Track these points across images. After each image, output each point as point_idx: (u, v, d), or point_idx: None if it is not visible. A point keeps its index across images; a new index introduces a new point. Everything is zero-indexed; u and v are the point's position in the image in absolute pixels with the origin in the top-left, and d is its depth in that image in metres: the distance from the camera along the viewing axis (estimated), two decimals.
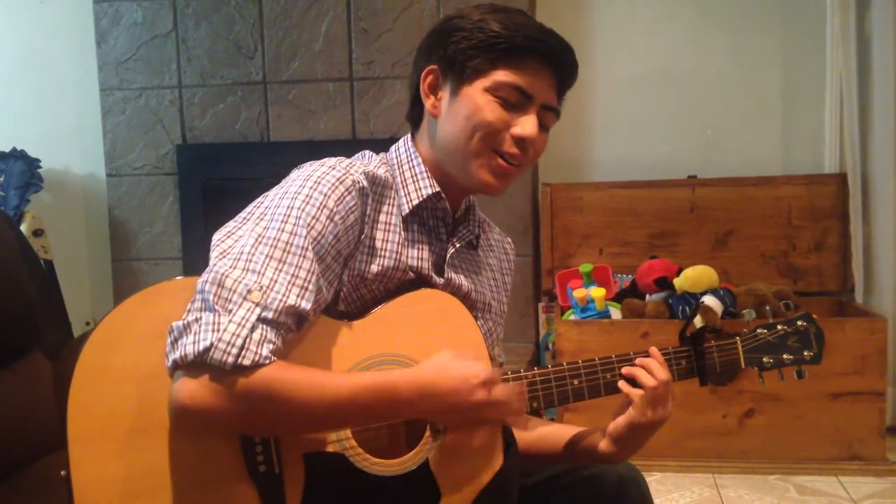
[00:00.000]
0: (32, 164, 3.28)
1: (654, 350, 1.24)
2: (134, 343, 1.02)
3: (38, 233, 3.20)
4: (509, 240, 1.42)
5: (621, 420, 1.21)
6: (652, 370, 1.20)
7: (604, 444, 1.24)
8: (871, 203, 3.01)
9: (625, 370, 1.21)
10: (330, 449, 1.07)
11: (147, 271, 3.40)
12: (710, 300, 2.66)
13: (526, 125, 1.15)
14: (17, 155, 3.29)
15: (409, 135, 1.26)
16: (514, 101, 1.15)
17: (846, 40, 2.97)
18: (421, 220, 1.22)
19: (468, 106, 1.15)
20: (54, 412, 1.38)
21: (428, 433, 1.13)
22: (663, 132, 3.26)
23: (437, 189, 1.20)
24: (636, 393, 1.19)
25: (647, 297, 2.85)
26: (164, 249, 3.40)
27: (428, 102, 1.20)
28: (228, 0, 3.25)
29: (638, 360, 1.22)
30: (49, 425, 1.30)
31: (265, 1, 3.22)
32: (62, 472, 0.99)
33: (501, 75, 1.14)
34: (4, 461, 1.32)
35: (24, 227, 3.14)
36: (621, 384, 1.21)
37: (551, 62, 1.16)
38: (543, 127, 1.18)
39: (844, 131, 3.02)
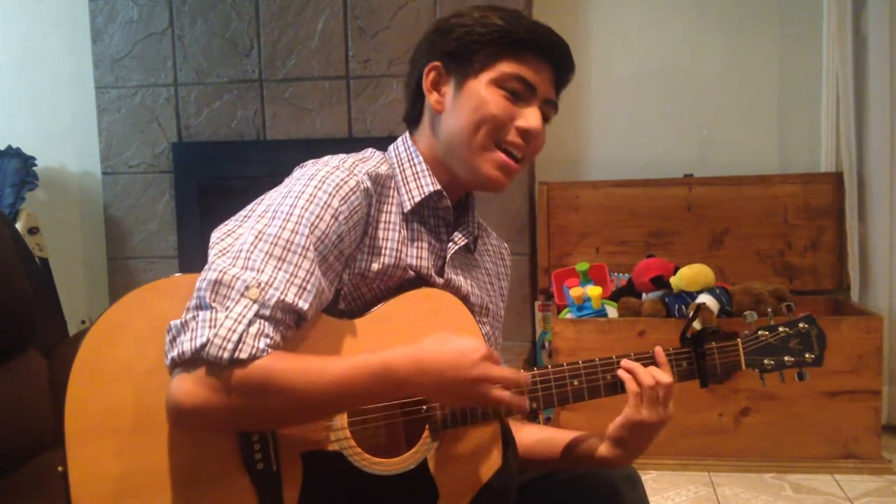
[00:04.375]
0: (28, 161, 3.27)
1: (658, 350, 1.24)
2: (132, 340, 1.02)
3: (33, 231, 3.19)
4: (505, 245, 1.42)
5: (618, 419, 1.22)
6: (651, 371, 1.20)
7: (603, 448, 1.24)
8: (867, 202, 3.02)
9: (624, 363, 1.21)
10: (328, 448, 1.07)
11: (143, 270, 3.39)
12: (706, 299, 2.66)
13: (531, 118, 1.17)
14: (13, 153, 3.28)
15: (407, 133, 1.26)
16: (519, 91, 1.16)
17: (842, 39, 2.97)
18: (422, 219, 1.22)
19: (474, 99, 1.16)
20: (49, 409, 1.38)
21: (427, 433, 1.13)
22: (660, 131, 3.27)
23: (439, 187, 1.20)
24: (631, 389, 1.19)
25: (644, 295, 2.85)
26: (160, 248, 3.38)
27: (432, 98, 1.20)
28: None
29: (631, 365, 1.22)
30: (44, 422, 1.29)
31: None
32: (59, 468, 0.98)
33: (506, 66, 1.15)
34: (1, 458, 1.32)
35: (19, 225, 3.13)
36: (620, 373, 1.21)
37: (550, 57, 1.18)
38: (545, 119, 1.20)
39: (840, 130, 3.03)
